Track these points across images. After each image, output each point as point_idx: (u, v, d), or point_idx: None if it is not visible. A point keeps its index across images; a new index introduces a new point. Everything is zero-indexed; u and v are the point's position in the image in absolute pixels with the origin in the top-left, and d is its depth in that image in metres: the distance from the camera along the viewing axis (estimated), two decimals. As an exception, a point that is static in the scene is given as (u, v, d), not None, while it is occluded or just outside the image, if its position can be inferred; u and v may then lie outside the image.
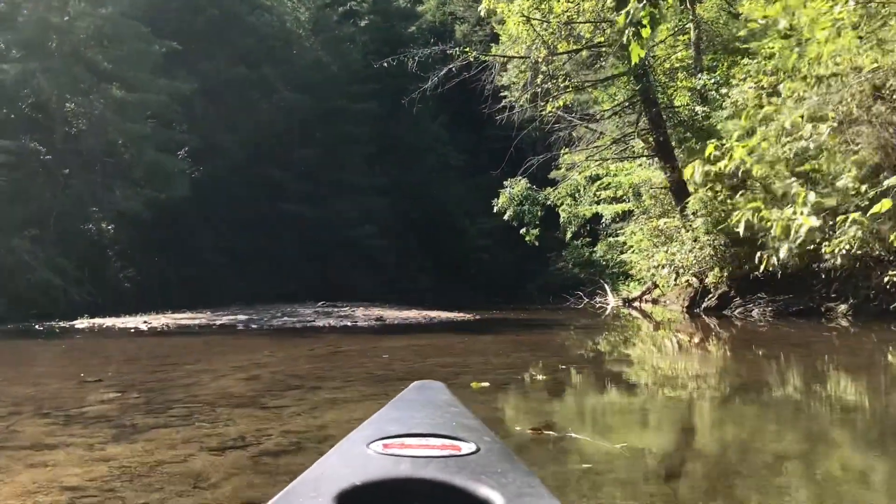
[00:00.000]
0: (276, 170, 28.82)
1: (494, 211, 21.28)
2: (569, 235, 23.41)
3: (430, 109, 35.55)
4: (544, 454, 3.56)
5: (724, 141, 12.94)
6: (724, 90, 16.10)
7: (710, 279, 15.21)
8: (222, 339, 10.93)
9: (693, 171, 5.56)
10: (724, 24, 18.93)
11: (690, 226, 15.14)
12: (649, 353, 10.07)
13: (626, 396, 5.90)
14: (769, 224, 5.23)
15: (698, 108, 16.02)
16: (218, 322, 14.36)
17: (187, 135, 24.84)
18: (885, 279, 12.03)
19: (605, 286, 24.00)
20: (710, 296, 15.68)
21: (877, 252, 12.34)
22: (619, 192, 21.20)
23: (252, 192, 27.72)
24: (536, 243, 21.04)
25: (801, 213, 4.75)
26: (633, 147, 19.50)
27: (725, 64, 18.10)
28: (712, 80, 16.67)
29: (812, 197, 5.08)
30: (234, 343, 10.32)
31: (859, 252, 12.13)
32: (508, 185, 20.84)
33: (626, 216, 24.82)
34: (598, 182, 21.36)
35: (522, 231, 20.91)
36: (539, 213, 20.86)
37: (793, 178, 10.10)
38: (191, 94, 24.27)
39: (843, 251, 12.22)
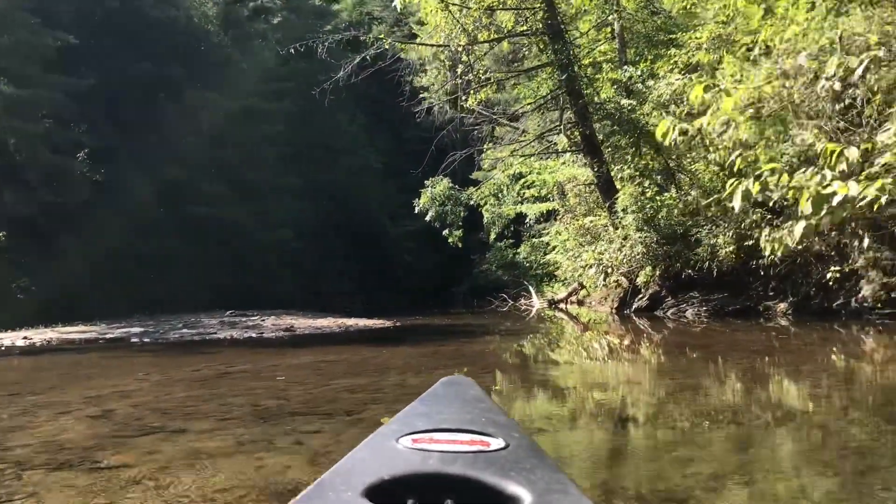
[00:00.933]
0: (186, 171, 26.98)
1: (416, 211, 20.06)
2: (493, 236, 22.26)
3: (349, 111, 34.25)
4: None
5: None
6: (650, 82, 15.22)
7: (641, 279, 14.28)
8: (99, 359, 9.38)
9: (668, 131, 4.43)
10: (647, 16, 18.07)
11: (620, 223, 14.15)
12: (578, 359, 9.03)
13: (551, 415, 4.90)
14: (790, 192, 4.07)
15: (624, 102, 15.04)
16: (108, 336, 12.75)
17: (87, 135, 22.92)
18: (829, 275, 11.23)
19: (530, 288, 23.00)
20: (641, 296, 14.77)
21: (817, 248, 11.55)
22: (544, 191, 20.22)
23: (160, 194, 25.87)
24: (460, 245, 19.92)
25: (833, 178, 3.69)
26: (557, 144, 18.52)
27: (650, 57, 17.27)
28: (638, 73, 15.76)
29: (854, 153, 3.92)
30: (108, 363, 8.80)
31: (799, 248, 11.30)
32: (430, 184, 19.64)
33: (550, 216, 23.94)
34: (522, 181, 20.31)
35: (445, 232, 19.76)
36: (462, 214, 19.74)
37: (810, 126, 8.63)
38: (90, 92, 22.34)
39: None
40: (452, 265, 31.62)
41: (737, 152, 5.17)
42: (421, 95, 37.37)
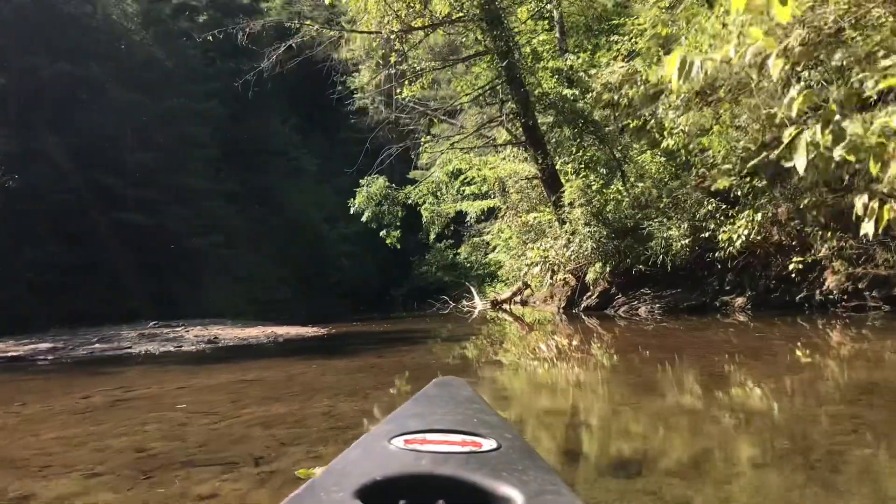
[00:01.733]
0: (109, 176, 25.33)
1: (352, 212, 18.88)
2: (432, 236, 21.12)
3: (280, 112, 32.91)
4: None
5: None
6: (592, 71, 14.34)
7: (590, 275, 13.34)
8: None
9: (680, 66, 3.28)
10: (586, 5, 17.22)
11: (567, 217, 13.19)
12: (525, 362, 8.05)
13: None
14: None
15: (567, 91, 14.10)
16: (10, 354, 11.26)
17: (-1, 139, 21.19)
18: (791, 266, 10.43)
19: (472, 289, 22.00)
20: (590, 294, 13.84)
21: (776, 238, 10.74)
22: (485, 188, 19.19)
23: (81, 201, 24.19)
24: (398, 246, 18.82)
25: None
26: (497, 138, 17.53)
27: (590, 46, 16.43)
28: (580, 61, 14.86)
29: None
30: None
31: (758, 238, 10.49)
32: (365, 183, 18.49)
33: (491, 214, 23.00)
34: (462, 177, 19.27)
35: (383, 233, 18.64)
36: (400, 214, 18.63)
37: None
38: (1, 92, 20.61)
39: (742, 237, 10.60)
40: (392, 268, 30.53)
41: (796, 88, 3.91)
42: (354, 96, 36.26)
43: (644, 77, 11.20)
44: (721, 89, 9.31)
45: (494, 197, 19.35)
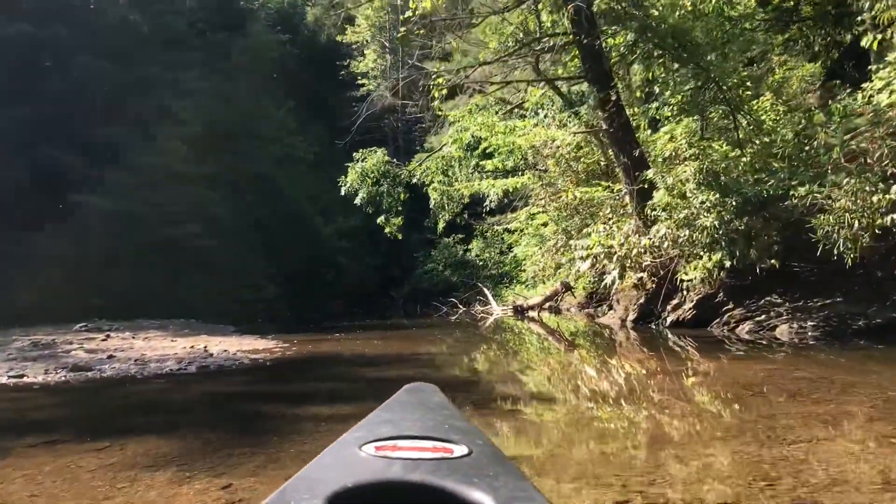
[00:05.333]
0: (70, 153, 20.66)
1: (342, 193, 14.04)
2: (441, 226, 16.02)
3: (276, 94, 28.06)
4: None
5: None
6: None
7: (691, 273, 8.28)
8: None
9: None
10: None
11: (662, 184, 8.13)
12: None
13: None
14: None
15: None
16: None
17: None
18: None
19: (486, 292, 17.02)
20: (678, 302, 8.83)
21: None
22: (510, 163, 14.10)
23: (36, 181, 19.56)
24: (399, 236, 14.07)
25: None
26: (529, 97, 12.55)
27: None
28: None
29: None
30: None
31: None
32: (359, 157, 13.62)
33: (508, 206, 18.08)
34: (481, 147, 14.19)
35: (381, 220, 13.85)
36: (402, 196, 13.80)
37: None
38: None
39: None
40: (393, 266, 25.69)
41: None
42: (359, 82, 31.41)
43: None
44: None
45: (523, 174, 14.32)
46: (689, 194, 7.58)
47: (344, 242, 27.41)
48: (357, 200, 13.67)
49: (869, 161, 6.58)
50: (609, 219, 9.77)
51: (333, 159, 25.40)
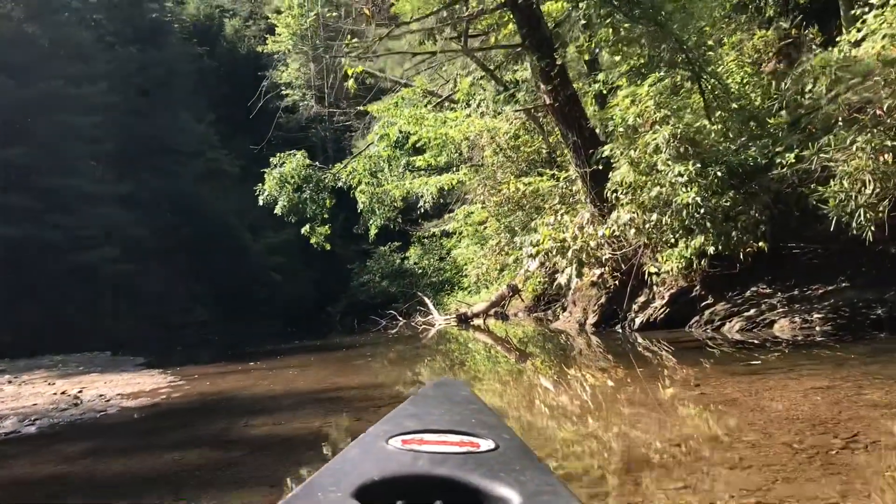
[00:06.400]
0: (-35, 177, 18.44)
1: (261, 203, 12.42)
2: (373, 231, 14.44)
3: (195, 107, 26.10)
4: None
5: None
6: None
7: (663, 265, 6.96)
8: None
9: None
10: None
11: (646, 161, 6.75)
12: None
13: None
14: None
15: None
16: None
17: None
18: None
19: (427, 301, 15.56)
20: (646, 299, 7.53)
21: None
22: (443, 159, 12.66)
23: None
24: (327, 246, 12.58)
25: None
26: (459, 86, 11.18)
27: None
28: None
29: None
30: None
31: None
32: (277, 161, 12.04)
33: (445, 208, 16.70)
34: (411, 141, 12.67)
35: (305, 229, 12.29)
36: (328, 202, 12.23)
37: None
38: None
39: None
40: (327, 280, 23.99)
41: None
42: (283, 92, 29.68)
43: None
44: None
45: (458, 170, 12.92)
46: (661, 166, 6.29)
47: (277, 258, 25.70)
48: (277, 209, 12.11)
49: (879, 113, 5.42)
50: (558, 210, 8.48)
51: (261, 173, 23.71)
